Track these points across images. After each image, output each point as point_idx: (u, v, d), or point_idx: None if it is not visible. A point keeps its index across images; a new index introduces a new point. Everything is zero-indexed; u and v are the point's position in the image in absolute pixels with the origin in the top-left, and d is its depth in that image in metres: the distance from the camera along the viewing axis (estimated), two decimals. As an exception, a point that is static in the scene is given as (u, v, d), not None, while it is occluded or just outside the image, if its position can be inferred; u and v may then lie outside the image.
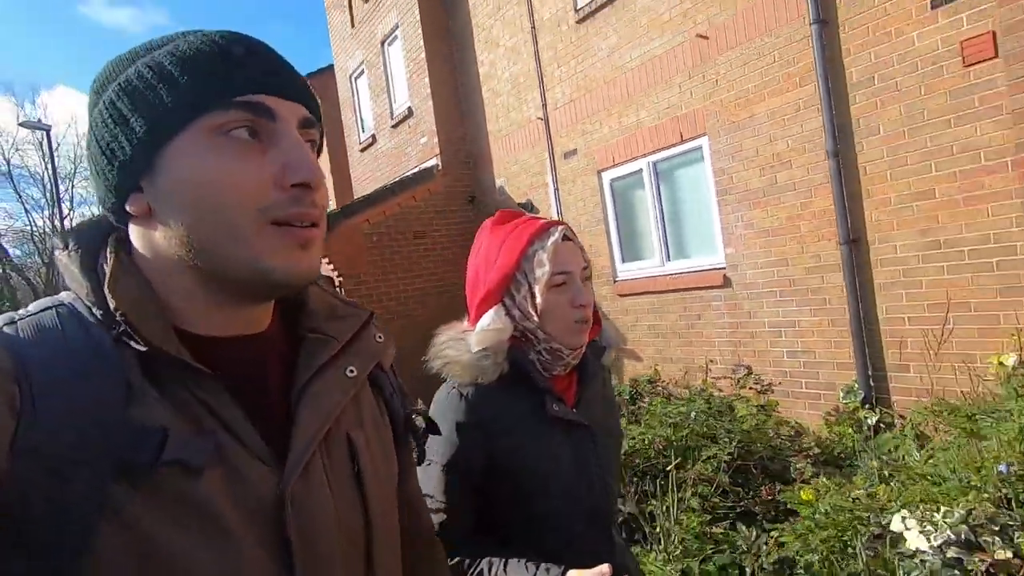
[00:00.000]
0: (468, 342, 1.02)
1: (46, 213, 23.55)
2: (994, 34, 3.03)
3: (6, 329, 0.49)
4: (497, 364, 0.99)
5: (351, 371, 0.63)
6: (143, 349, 0.49)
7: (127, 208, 0.53)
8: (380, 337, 0.69)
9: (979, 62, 3.12)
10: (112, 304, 0.50)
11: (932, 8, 3.28)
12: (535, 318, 1.02)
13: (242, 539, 0.50)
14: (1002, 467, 2.11)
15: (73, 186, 24.34)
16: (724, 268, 4.63)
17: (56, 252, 0.56)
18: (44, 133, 17.13)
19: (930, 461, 2.40)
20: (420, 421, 0.74)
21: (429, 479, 0.97)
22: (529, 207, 6.66)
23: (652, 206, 5.20)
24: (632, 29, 5.10)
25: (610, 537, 1.09)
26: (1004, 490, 1.97)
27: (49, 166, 16.62)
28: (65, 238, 0.56)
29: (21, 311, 0.52)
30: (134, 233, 0.55)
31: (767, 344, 4.41)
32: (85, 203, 23.98)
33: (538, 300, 1.01)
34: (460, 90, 7.34)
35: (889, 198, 3.60)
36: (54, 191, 16.83)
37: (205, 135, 0.51)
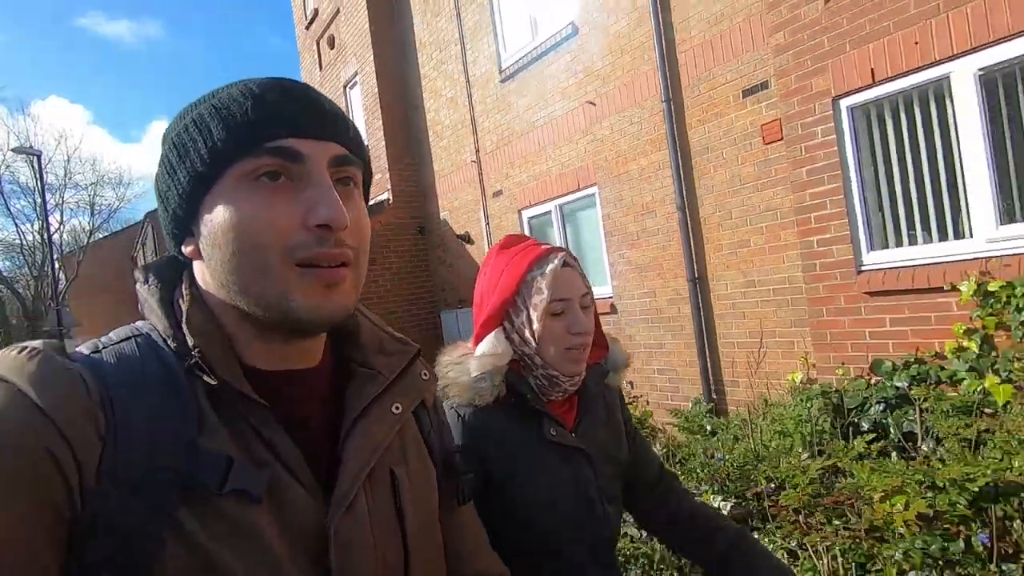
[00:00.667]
0: (467, 366, 1.01)
1: (35, 226, 24.18)
2: (780, 121, 3.87)
3: (93, 356, 0.52)
4: (494, 387, 1.00)
5: (396, 408, 0.64)
6: (214, 383, 0.51)
7: (182, 251, 0.57)
8: (426, 374, 0.71)
9: (772, 142, 3.97)
10: (190, 341, 0.52)
11: (743, 97, 4.14)
12: (533, 344, 1.02)
13: (288, 570, 0.50)
14: (719, 455, 2.90)
15: (64, 200, 25.03)
16: (612, 298, 5.43)
17: (137, 285, 0.59)
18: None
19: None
20: (459, 460, 0.75)
21: None
22: (467, 238, 7.47)
23: (559, 242, 6.02)
24: (541, 92, 5.96)
25: (612, 568, 1.08)
26: (713, 471, 2.76)
27: (39, 184, 17.33)
28: (145, 273, 0.59)
29: (104, 339, 0.55)
30: (196, 271, 0.59)
31: (643, 363, 5.20)
32: (75, 216, 24.59)
33: (536, 326, 1.01)
34: (410, 132, 8.18)
35: (722, 244, 4.42)
36: (43, 210, 17.51)
37: (237, 182, 0.52)
